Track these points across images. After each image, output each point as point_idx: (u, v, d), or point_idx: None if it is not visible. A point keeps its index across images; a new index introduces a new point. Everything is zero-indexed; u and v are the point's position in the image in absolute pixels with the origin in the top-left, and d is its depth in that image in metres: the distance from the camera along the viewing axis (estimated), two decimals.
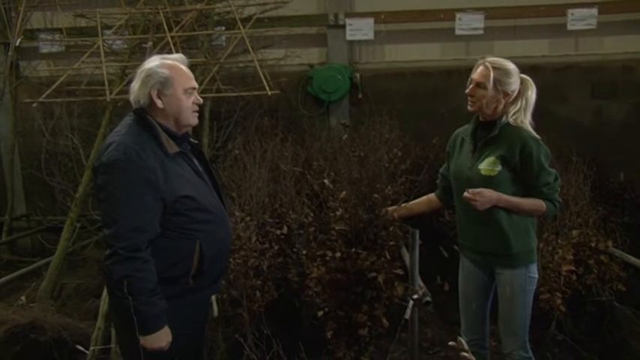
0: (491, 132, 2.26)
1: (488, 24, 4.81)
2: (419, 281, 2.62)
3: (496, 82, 2.21)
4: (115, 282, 1.79)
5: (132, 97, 1.92)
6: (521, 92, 2.26)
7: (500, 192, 2.20)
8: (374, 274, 2.64)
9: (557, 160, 3.81)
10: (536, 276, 2.31)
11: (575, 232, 3.21)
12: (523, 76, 2.28)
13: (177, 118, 1.92)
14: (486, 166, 2.23)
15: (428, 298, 2.53)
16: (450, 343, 1.85)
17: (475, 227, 2.34)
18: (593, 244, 3.19)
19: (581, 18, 4.71)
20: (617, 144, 4.73)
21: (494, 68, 2.22)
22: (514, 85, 2.23)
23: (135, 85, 1.91)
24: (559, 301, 2.93)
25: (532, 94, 2.27)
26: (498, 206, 2.20)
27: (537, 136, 2.24)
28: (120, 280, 1.75)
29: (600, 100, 4.93)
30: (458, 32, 4.84)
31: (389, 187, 2.98)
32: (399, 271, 2.67)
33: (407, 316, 2.53)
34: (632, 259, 3.11)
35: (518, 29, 4.90)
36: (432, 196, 2.69)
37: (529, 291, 2.29)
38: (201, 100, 2.00)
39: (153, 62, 1.92)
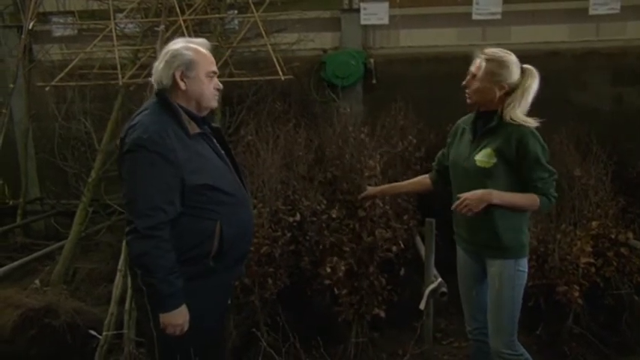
0: (490, 123, 2.20)
1: (506, 8, 4.67)
2: (434, 272, 2.59)
3: (490, 73, 2.16)
4: (132, 258, 1.85)
5: (154, 78, 1.94)
6: (521, 83, 2.17)
7: (494, 183, 2.15)
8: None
9: (576, 149, 3.73)
10: (526, 271, 2.25)
11: (594, 224, 3.14)
12: (526, 66, 2.20)
13: (198, 101, 1.97)
14: (482, 157, 2.18)
15: (444, 289, 2.50)
16: None
17: (467, 218, 2.28)
18: (613, 236, 3.12)
19: (604, 2, 4.56)
20: (637, 132, 4.61)
21: (488, 60, 2.17)
22: (510, 77, 2.16)
23: (158, 66, 1.93)
24: (577, 294, 2.89)
25: (532, 84, 2.17)
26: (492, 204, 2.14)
27: (535, 124, 2.14)
28: (137, 257, 1.81)
29: (621, 87, 4.80)
30: (475, 17, 4.72)
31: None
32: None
33: (422, 306, 2.51)
34: None
35: (537, 14, 4.77)
36: (424, 177, 2.65)
37: (518, 285, 2.23)
38: (221, 86, 2.04)
39: (178, 44, 1.94)
